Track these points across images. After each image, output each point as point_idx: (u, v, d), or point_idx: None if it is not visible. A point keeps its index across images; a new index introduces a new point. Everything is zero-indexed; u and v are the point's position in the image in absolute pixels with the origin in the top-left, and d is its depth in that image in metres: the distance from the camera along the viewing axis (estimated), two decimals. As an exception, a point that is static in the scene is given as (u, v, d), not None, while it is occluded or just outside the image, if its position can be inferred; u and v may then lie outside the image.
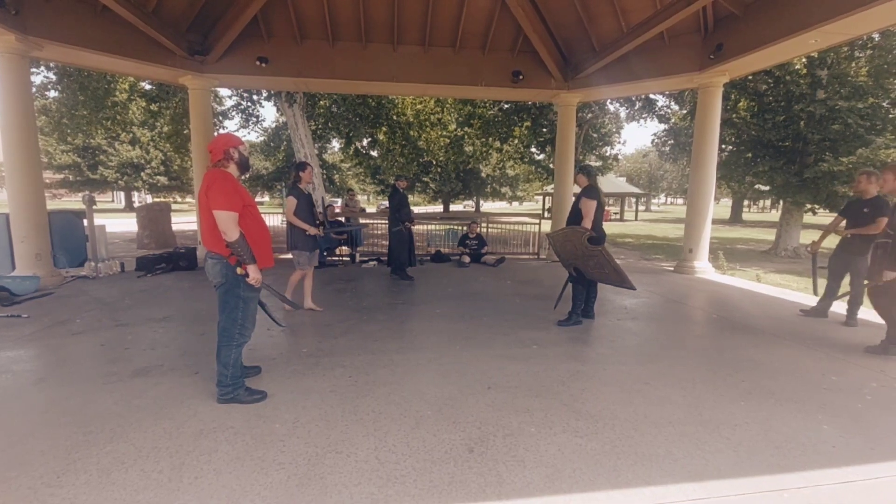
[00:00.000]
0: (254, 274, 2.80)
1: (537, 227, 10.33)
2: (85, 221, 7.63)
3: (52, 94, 14.36)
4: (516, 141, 18.94)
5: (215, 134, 12.40)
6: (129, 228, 15.68)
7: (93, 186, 35.03)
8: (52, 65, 12.44)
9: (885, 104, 12.06)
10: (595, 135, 20.26)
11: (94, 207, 7.63)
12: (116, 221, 19.90)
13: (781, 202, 14.68)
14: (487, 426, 2.70)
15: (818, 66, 11.89)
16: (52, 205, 8.92)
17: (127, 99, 14.89)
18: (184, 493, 2.07)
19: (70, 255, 7.57)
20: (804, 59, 11.49)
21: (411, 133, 17.39)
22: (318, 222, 5.26)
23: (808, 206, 13.78)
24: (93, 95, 12.68)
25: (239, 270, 2.79)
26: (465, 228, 10.06)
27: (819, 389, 3.29)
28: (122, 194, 41.70)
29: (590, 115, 18.06)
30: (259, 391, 3.04)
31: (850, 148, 11.72)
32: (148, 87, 14.42)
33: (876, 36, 11.19)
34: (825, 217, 20.36)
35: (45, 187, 7.29)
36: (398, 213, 7.05)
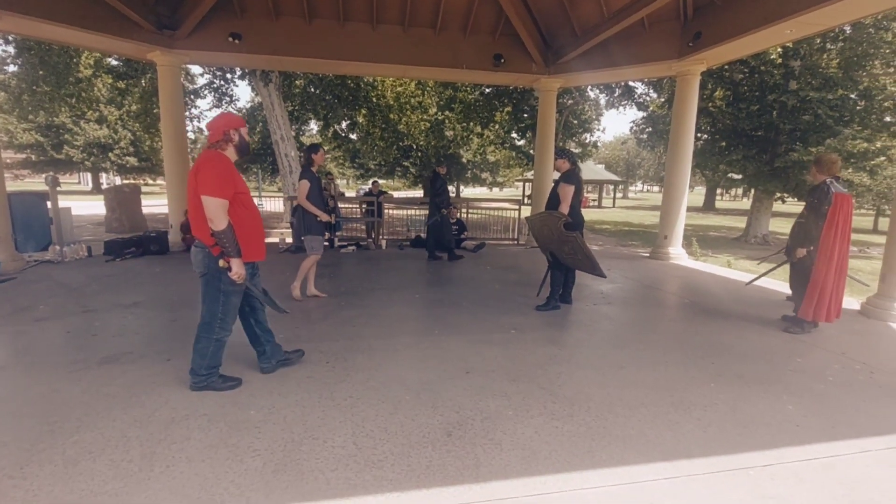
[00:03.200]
0: (237, 269, 2.64)
1: (517, 212, 10.36)
2: (48, 203, 7.31)
3: (12, 68, 13.59)
4: (497, 126, 18.86)
5: (186, 114, 11.95)
6: (96, 211, 15.10)
7: (57, 167, 33.51)
8: (10, 37, 11.72)
9: (853, 96, 12.43)
10: (575, 121, 20.30)
11: (59, 189, 7.30)
12: (83, 204, 19.14)
13: (753, 190, 15.08)
14: (466, 410, 2.72)
15: (792, 56, 12.14)
16: (13, 186, 8.49)
17: (92, 75, 14.18)
18: (154, 483, 2.02)
19: (33, 239, 7.25)
20: (779, 50, 11.70)
21: (391, 116, 17.11)
22: (328, 208, 5.13)
23: (778, 194, 14.20)
24: (54, 71, 12.02)
25: (221, 263, 2.63)
26: (445, 213, 10.00)
27: (785, 372, 3.42)
28: (88, 175, 40.04)
29: (570, 101, 18.06)
30: (234, 378, 2.97)
31: (819, 138, 12.08)
32: (115, 62, 13.76)
33: (847, 28, 11.46)
34: (794, 205, 21.00)
35: (6, 168, 6.93)
36: (438, 197, 7.27)
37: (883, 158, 11.39)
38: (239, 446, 2.30)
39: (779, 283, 6.35)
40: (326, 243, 9.21)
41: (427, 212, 7.90)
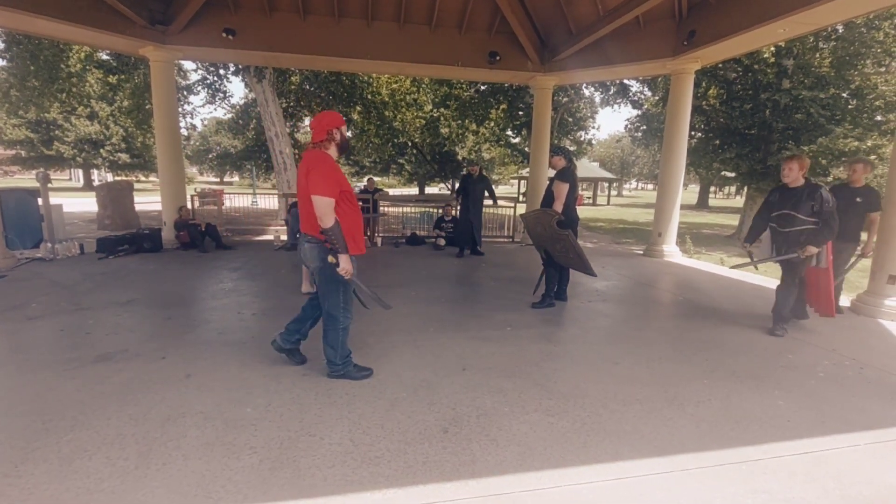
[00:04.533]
0: (344, 264, 2.73)
1: (513, 210, 10.38)
2: (39, 200, 7.23)
3: (1, 63, 13.41)
4: (492, 124, 18.86)
5: (179, 110, 11.85)
6: (88, 208, 14.97)
7: (48, 163, 33.12)
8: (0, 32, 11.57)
9: (844, 95, 12.53)
10: (570, 119, 20.35)
11: (50, 185, 7.22)
12: (75, 200, 18.94)
13: (746, 188, 15.20)
14: (462, 407, 2.73)
15: (785, 55, 12.22)
16: (2, 183, 8.38)
17: (82, 70, 14.00)
18: (151, 480, 2.02)
19: (24, 236, 7.18)
20: (772, 49, 11.77)
21: (386, 113, 17.03)
22: None
23: (771, 192, 14.30)
24: (44, 65, 11.87)
25: (330, 259, 2.74)
26: (440, 211, 10.02)
27: (776, 367, 3.46)
28: (80, 172, 39.62)
29: (565, 98, 18.11)
30: (366, 368, 3.10)
31: (811, 137, 12.18)
32: (106, 57, 13.60)
33: (840, 28, 11.55)
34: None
35: (-6, 163, 6.85)
36: (469, 196, 7.84)
37: (874, 157, 11.50)
38: (235, 444, 2.30)
39: (771, 281, 6.41)
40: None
41: (459, 211, 8.37)
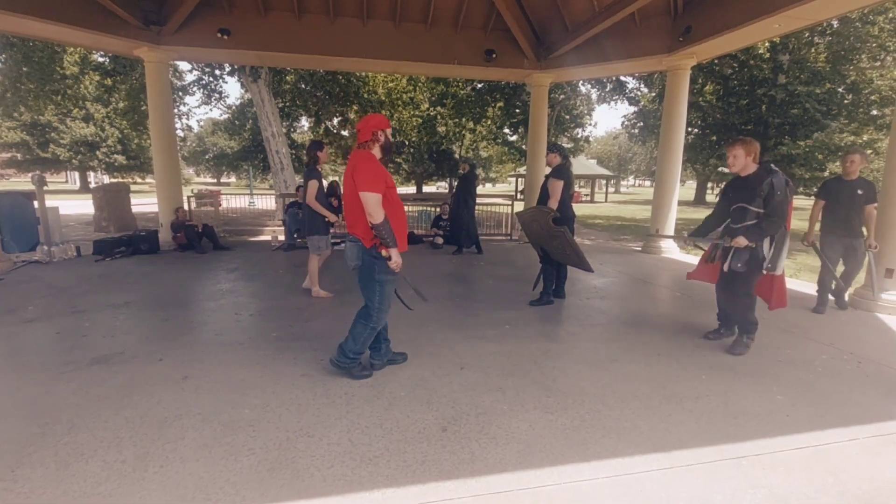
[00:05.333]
0: (395, 257, 2.80)
1: (510, 208, 10.37)
2: (35, 203, 7.19)
3: (-6, 65, 13.34)
4: (489, 121, 18.85)
5: (175, 111, 11.81)
6: (85, 210, 14.91)
7: (44, 165, 33.08)
8: (-9, 33, 11.49)
9: (840, 90, 12.57)
10: (567, 116, 20.35)
11: (46, 188, 7.18)
12: (71, 203, 18.88)
13: (743, 184, 15.21)
14: (460, 405, 2.73)
15: (780, 51, 12.24)
16: (-3, 185, 8.33)
17: (79, 72, 13.97)
18: (148, 483, 2.01)
19: (20, 239, 7.15)
20: (767, 44, 11.79)
21: (383, 112, 17.04)
22: (334, 207, 5.22)
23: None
24: (38, 67, 11.82)
25: (384, 253, 2.80)
26: (438, 210, 10.01)
27: (775, 363, 3.46)
28: (76, 174, 39.50)
29: (562, 96, 18.09)
30: (367, 368, 3.11)
31: (808, 132, 12.22)
32: (101, 59, 13.56)
33: (835, 23, 11.56)
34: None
35: (-11, 166, 6.82)
36: (465, 192, 7.89)
37: (870, 151, 11.53)
38: (234, 445, 2.29)
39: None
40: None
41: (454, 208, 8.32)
